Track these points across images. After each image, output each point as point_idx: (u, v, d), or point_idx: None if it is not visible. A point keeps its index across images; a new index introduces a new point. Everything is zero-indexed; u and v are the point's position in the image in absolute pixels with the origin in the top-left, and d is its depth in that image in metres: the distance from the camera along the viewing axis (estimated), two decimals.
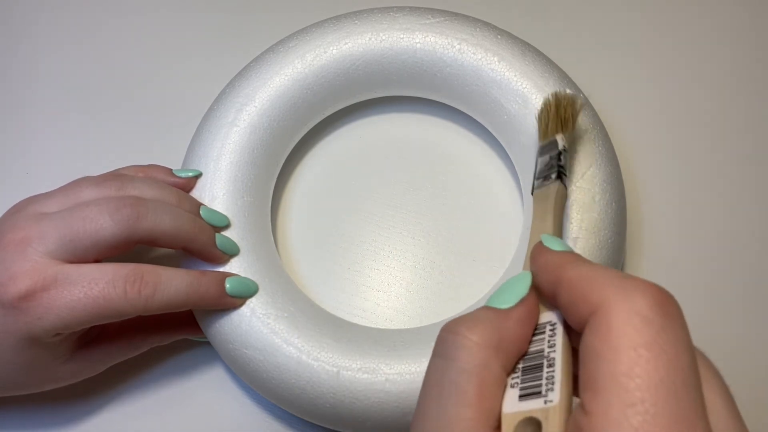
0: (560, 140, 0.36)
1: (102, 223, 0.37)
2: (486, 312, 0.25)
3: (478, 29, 0.46)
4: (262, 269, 0.42)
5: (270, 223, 0.45)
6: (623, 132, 0.49)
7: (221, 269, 0.41)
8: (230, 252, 0.41)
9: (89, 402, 0.44)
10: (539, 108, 0.41)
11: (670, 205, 0.48)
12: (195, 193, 0.43)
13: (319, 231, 0.48)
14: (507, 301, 0.25)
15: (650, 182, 0.49)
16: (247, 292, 0.41)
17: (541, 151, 0.37)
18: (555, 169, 0.34)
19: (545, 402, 0.22)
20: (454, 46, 0.45)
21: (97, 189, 0.39)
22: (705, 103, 0.51)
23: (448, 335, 0.24)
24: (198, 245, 0.40)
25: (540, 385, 0.23)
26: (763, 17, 0.54)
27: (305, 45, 0.46)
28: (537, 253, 0.26)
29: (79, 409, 0.44)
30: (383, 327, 0.44)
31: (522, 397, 0.23)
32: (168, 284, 0.38)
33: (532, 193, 0.35)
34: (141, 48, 0.54)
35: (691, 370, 0.21)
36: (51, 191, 0.40)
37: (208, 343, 0.43)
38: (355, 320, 0.45)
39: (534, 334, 0.25)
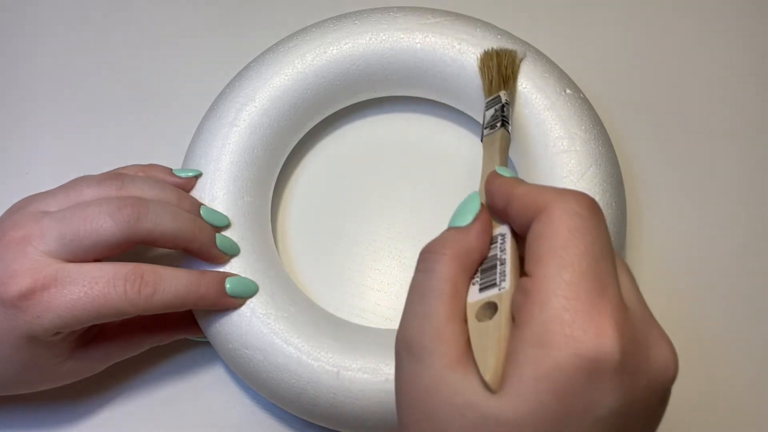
0: (503, 96, 0.41)
1: (102, 223, 0.37)
2: (451, 232, 0.31)
3: (478, 29, 0.46)
4: (262, 269, 0.42)
5: (270, 223, 0.45)
6: (623, 132, 0.49)
7: (221, 269, 0.41)
8: (230, 252, 0.41)
9: (89, 402, 0.44)
10: (481, 61, 0.44)
11: (670, 205, 0.48)
12: (195, 193, 0.43)
13: (319, 231, 0.48)
14: (465, 220, 0.31)
15: (650, 182, 0.49)
16: (247, 292, 0.41)
17: (487, 106, 0.42)
18: (500, 119, 0.39)
19: (499, 289, 0.28)
20: (454, 46, 0.45)
21: (98, 188, 0.39)
22: (706, 103, 0.51)
23: (427, 255, 0.30)
24: (198, 245, 0.40)
25: (495, 279, 0.29)
26: (764, 16, 0.54)
27: (305, 45, 0.46)
28: (491, 179, 0.32)
29: (79, 409, 0.44)
30: (383, 327, 0.44)
31: (481, 290, 0.29)
32: (168, 284, 0.38)
33: (481, 140, 0.40)
34: (141, 48, 0.54)
35: (609, 247, 0.28)
36: (52, 190, 0.40)
37: (208, 343, 0.43)
38: (355, 320, 0.45)
39: (489, 245, 0.31)
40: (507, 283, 0.29)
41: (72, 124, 0.52)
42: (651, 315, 0.29)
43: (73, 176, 0.41)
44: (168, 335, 0.43)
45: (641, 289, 0.47)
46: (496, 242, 0.31)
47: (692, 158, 0.50)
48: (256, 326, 0.40)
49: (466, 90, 0.46)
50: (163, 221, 0.38)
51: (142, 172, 0.42)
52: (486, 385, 0.26)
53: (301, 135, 0.48)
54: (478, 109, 0.47)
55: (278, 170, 0.47)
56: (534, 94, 0.44)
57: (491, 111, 0.41)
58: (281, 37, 0.47)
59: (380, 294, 0.46)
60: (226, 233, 0.42)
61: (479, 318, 0.28)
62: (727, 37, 0.53)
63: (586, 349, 0.25)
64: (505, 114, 0.40)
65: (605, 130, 0.44)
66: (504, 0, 0.54)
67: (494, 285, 0.29)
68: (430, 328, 0.28)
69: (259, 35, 0.50)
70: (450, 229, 0.31)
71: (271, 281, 0.42)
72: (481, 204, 0.32)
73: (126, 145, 0.51)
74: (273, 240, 0.45)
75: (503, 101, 0.41)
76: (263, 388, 0.41)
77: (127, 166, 0.43)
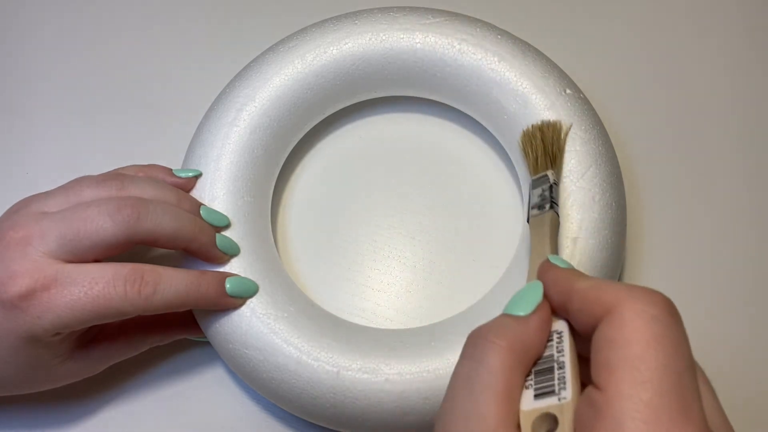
0: (551, 175, 0.40)
1: (102, 223, 0.37)
2: (508, 319, 0.28)
3: (478, 29, 0.46)
4: (262, 269, 0.42)
5: (270, 223, 0.45)
6: (623, 132, 0.49)
7: (221, 269, 0.41)
8: (230, 252, 0.41)
9: (89, 402, 0.44)
10: (523, 138, 0.42)
11: (670, 204, 0.48)
12: (195, 193, 0.43)
13: (319, 231, 0.48)
14: (524, 309, 0.28)
15: (650, 182, 0.49)
16: (247, 292, 0.41)
17: (534, 185, 0.40)
18: (548, 201, 0.38)
19: (559, 399, 0.26)
20: (454, 46, 0.45)
21: (98, 189, 0.39)
22: (706, 102, 0.51)
23: (478, 340, 0.27)
24: (198, 245, 0.40)
25: (553, 386, 0.26)
26: (763, 15, 0.54)
27: (305, 45, 0.46)
28: (546, 269, 0.30)
29: (79, 409, 0.44)
30: (383, 327, 0.44)
31: (537, 396, 0.26)
32: (168, 284, 0.38)
33: (528, 221, 0.39)
34: (141, 48, 0.54)
35: (691, 361, 0.25)
36: (51, 190, 0.40)
37: (208, 343, 0.43)
38: (355, 320, 0.45)
39: (546, 341, 0.28)
40: (568, 392, 0.26)
41: (72, 125, 0.52)
42: (731, 427, 0.26)
43: (73, 176, 0.41)
44: (168, 335, 0.43)
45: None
46: (552, 340, 0.28)
47: (692, 158, 0.50)
48: (256, 326, 0.40)
49: (466, 90, 0.46)
50: (162, 221, 0.38)
51: (142, 173, 0.42)
52: None
53: (301, 135, 0.48)
54: (477, 110, 0.47)
55: (278, 170, 0.47)
56: (534, 94, 0.44)
57: (538, 191, 0.39)
58: (281, 37, 0.47)
59: (380, 294, 0.46)
60: (226, 233, 0.42)
61: (536, 431, 0.26)
62: (728, 37, 0.53)
63: None
64: (553, 195, 0.38)
65: (605, 130, 0.44)
66: (504, 0, 0.54)
67: (552, 393, 0.26)
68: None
69: (259, 35, 0.50)
70: (506, 316, 0.28)
71: (271, 281, 0.42)
72: (543, 297, 0.29)
73: (126, 146, 0.51)
74: (273, 240, 0.45)
75: (551, 182, 0.39)
76: (263, 388, 0.41)
77: (126, 167, 0.43)
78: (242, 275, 0.41)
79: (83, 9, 0.55)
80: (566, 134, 0.42)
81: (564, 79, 0.45)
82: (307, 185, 0.49)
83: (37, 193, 0.40)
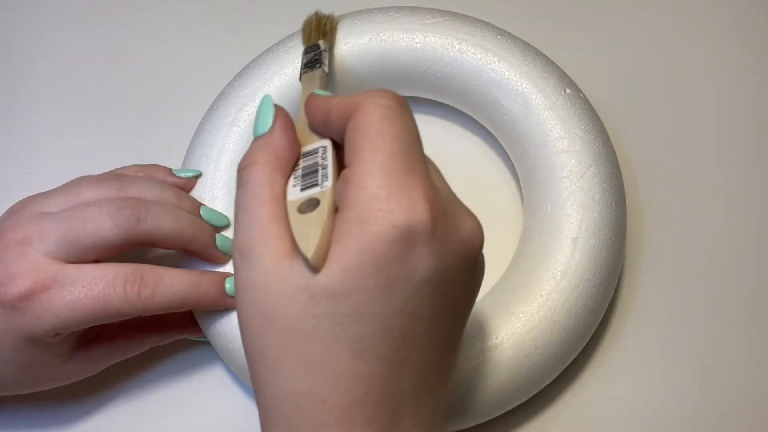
0: (322, 44, 0.44)
1: (102, 224, 0.37)
2: (257, 142, 0.32)
3: (478, 29, 0.46)
4: None
5: None
6: (623, 132, 0.49)
7: (221, 269, 0.41)
8: (230, 252, 0.41)
9: (89, 402, 0.44)
10: (303, 23, 0.45)
11: (670, 205, 0.48)
12: (195, 193, 0.43)
13: None
14: (264, 125, 0.33)
15: (650, 182, 0.49)
16: None
17: (305, 51, 0.44)
18: (318, 62, 0.42)
19: (321, 187, 0.31)
20: (454, 46, 0.45)
21: (98, 189, 0.39)
22: (705, 102, 0.51)
23: (241, 171, 0.32)
24: (198, 246, 0.40)
25: (317, 180, 0.31)
26: (764, 15, 0.54)
27: None
28: (310, 99, 0.34)
29: (79, 409, 0.44)
30: None
31: (303, 189, 0.31)
32: (168, 285, 0.38)
33: (300, 80, 0.41)
34: (141, 48, 0.54)
35: (416, 134, 0.31)
36: (51, 190, 0.40)
37: (208, 343, 0.43)
38: None
39: (309, 156, 0.33)
40: (329, 182, 0.30)
41: (72, 125, 0.52)
42: (455, 195, 0.31)
43: (73, 176, 0.41)
44: (168, 335, 0.43)
45: (642, 289, 0.48)
46: (317, 153, 0.32)
47: (692, 158, 0.50)
48: None
49: (466, 90, 0.46)
50: (162, 222, 0.38)
51: (142, 173, 0.42)
52: (309, 266, 0.28)
53: None
54: (477, 110, 0.47)
55: None
56: (534, 94, 0.44)
57: (310, 55, 0.43)
58: (281, 37, 0.47)
59: None
60: (226, 233, 0.42)
61: (301, 211, 0.30)
62: (727, 37, 0.53)
63: (401, 220, 0.28)
64: (322, 59, 0.42)
65: (605, 130, 0.44)
66: (504, 0, 0.54)
67: (316, 185, 0.31)
68: (256, 232, 0.30)
69: (259, 35, 0.50)
70: (255, 139, 0.33)
71: None
72: (275, 105, 0.33)
73: (126, 146, 0.51)
74: None
75: (322, 48, 0.43)
76: None
77: (126, 167, 0.43)
78: None
79: (83, 9, 0.55)
80: (337, 23, 0.46)
81: (564, 79, 0.45)
82: None
83: (37, 193, 0.40)
